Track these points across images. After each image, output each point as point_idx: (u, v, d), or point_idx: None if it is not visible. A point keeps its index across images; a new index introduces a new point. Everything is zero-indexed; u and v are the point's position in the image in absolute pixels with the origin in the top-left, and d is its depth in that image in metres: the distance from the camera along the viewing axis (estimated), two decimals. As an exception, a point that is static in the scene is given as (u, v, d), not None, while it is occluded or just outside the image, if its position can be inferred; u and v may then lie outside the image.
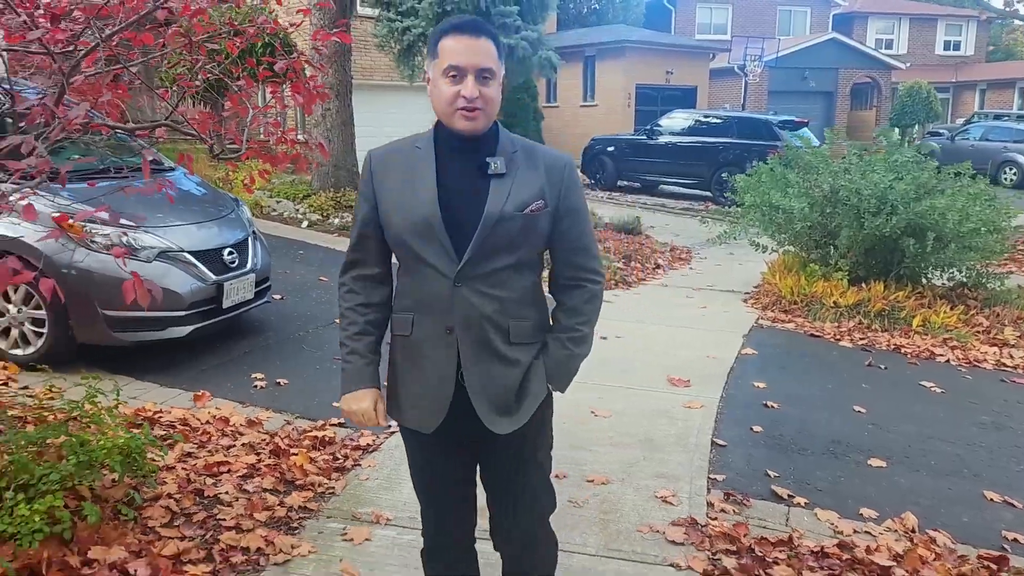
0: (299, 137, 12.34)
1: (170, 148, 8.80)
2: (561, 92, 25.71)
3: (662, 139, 17.45)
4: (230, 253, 5.29)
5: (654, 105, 23.70)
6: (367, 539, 3.16)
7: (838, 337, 6.70)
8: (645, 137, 17.97)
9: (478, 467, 2.18)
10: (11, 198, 2.27)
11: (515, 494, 2.14)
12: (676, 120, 17.94)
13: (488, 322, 1.94)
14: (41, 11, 2.62)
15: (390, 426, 3.77)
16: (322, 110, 11.87)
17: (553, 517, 2.23)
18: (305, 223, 10.66)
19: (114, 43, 2.78)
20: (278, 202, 11.42)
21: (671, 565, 3.07)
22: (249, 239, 5.61)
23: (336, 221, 10.68)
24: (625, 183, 18.23)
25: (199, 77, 3.32)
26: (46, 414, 3.51)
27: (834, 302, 7.23)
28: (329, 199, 11.32)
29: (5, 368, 4.55)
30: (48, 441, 3.06)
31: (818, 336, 6.74)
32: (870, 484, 3.97)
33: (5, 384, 4.37)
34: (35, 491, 2.73)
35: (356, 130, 12.97)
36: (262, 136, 3.52)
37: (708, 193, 16.40)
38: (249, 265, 5.45)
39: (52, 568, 2.59)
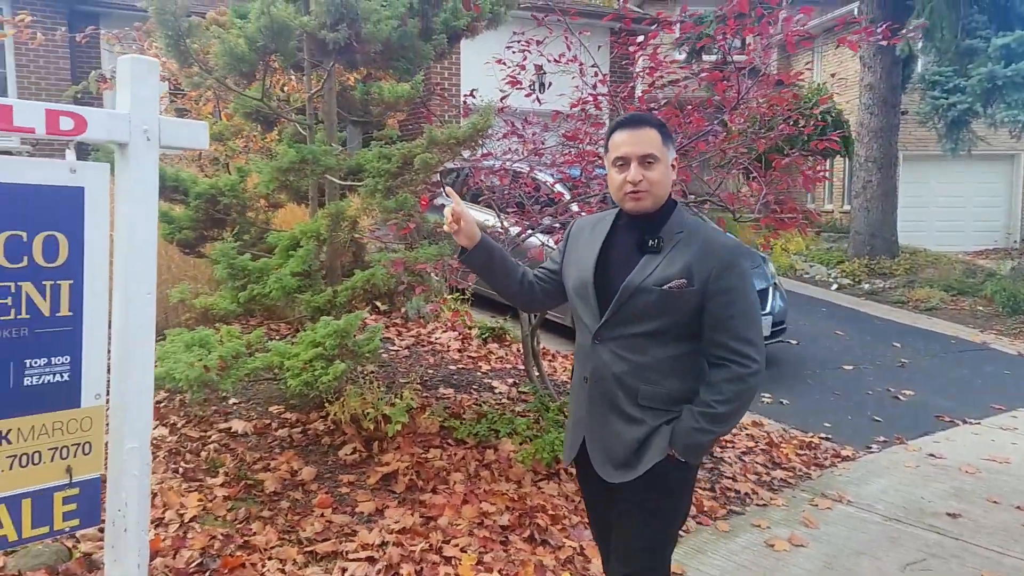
0: (845, 208, 13.26)
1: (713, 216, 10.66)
2: None
3: None
4: (754, 298, 6.69)
5: None
6: (828, 508, 4.13)
7: None
8: None
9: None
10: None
11: (622, 552, 2.15)
12: None
13: (616, 380, 2.08)
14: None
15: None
16: (862, 182, 12.57)
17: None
18: (834, 286, 11.50)
19: (682, 147, 4.40)
20: (811, 266, 12.47)
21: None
22: (770, 289, 6.94)
23: (866, 286, 11.28)
24: None
25: (731, 166, 4.76)
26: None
27: None
28: (862, 265, 11.94)
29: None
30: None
31: None
32: None
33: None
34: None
35: (903, 200, 13.25)
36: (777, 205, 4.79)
37: None
38: (767, 309, 6.76)
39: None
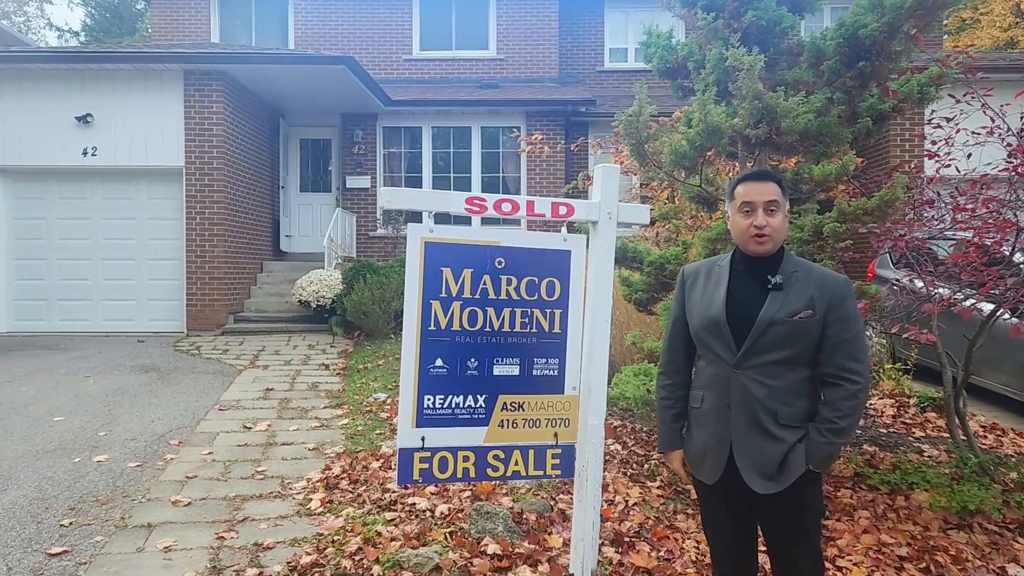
0: None
1: None
2: None
3: None
4: None
5: None
6: None
7: None
8: None
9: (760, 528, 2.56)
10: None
11: (781, 553, 2.46)
12: None
13: (758, 403, 2.36)
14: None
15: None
16: None
17: None
18: None
19: None
20: None
21: None
22: None
23: None
24: None
25: None
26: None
27: None
28: None
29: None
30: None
31: None
32: None
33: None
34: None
35: None
36: None
37: None
38: None
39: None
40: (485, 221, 3.37)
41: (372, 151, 14.24)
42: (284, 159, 14.38)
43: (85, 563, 3.66)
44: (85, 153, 11.26)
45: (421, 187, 14.11)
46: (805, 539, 2.41)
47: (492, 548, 3.63)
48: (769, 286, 2.37)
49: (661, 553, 3.69)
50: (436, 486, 4.48)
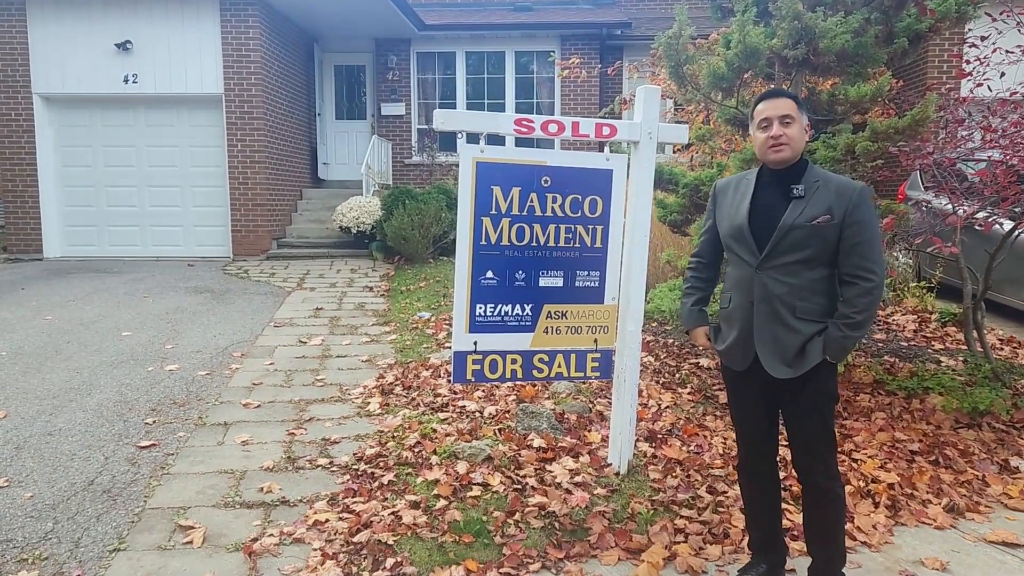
0: None
1: None
2: None
3: None
4: None
5: None
6: None
7: None
8: None
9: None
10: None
11: (798, 433, 2.69)
12: None
13: (778, 300, 2.61)
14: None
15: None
16: None
17: None
18: None
19: None
20: None
21: None
22: None
23: None
24: None
25: None
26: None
27: None
28: None
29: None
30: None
31: None
32: None
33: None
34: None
35: None
36: None
37: None
38: None
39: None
40: (519, 143, 3.61)
41: (406, 77, 14.32)
42: (320, 86, 14.52)
43: (173, 454, 4.11)
44: (126, 80, 11.53)
45: (454, 113, 14.19)
46: (820, 420, 2.65)
47: (537, 442, 4.00)
48: (792, 195, 2.60)
49: (691, 447, 4.04)
50: (483, 391, 4.86)
